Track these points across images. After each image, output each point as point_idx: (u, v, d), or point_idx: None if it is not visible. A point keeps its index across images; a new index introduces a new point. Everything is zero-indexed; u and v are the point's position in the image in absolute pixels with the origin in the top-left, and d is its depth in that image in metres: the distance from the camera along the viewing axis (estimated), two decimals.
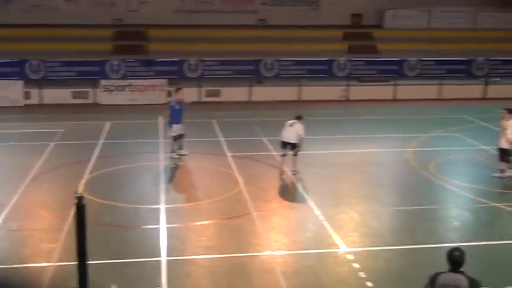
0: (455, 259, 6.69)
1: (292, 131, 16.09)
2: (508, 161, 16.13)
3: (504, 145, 16.04)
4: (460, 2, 32.67)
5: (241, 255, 11.30)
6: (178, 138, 17.82)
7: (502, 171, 16.15)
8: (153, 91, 27.09)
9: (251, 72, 28.33)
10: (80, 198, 8.62)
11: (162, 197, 14.47)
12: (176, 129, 17.67)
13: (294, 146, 16.09)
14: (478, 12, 33.15)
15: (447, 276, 6.75)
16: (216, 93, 27.87)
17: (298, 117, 16.45)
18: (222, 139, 20.10)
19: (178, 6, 31.50)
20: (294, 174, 16.26)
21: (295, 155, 16.24)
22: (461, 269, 6.76)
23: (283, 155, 16.30)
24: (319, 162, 17.81)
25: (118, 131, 21.33)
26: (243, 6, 32.01)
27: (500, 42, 31.44)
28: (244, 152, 18.50)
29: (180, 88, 18.57)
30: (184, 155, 17.99)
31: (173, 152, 17.83)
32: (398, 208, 14.14)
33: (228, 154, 18.21)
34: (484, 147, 19.26)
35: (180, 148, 18.01)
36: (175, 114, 17.64)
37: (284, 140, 16.18)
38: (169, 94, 24.71)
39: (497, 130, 21.49)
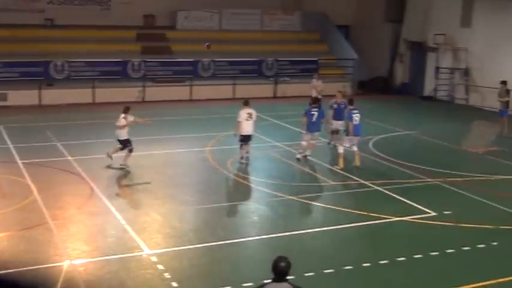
0: (281, 269, 6.67)
1: (252, 124, 17.34)
2: None
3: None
4: (248, 5, 33.95)
5: (39, 267, 10.61)
6: None
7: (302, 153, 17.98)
8: None
9: (40, 75, 26.93)
10: None
11: None
12: None
13: (251, 138, 17.55)
14: (265, 15, 34.70)
15: (272, 286, 6.69)
16: (2, 97, 26.06)
17: (247, 102, 17.63)
18: (11, 146, 18.81)
19: None
20: (245, 162, 17.57)
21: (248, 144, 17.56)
22: (286, 278, 6.76)
23: (243, 148, 17.50)
24: (117, 165, 17.40)
25: None
26: (28, 4, 30.28)
27: (287, 43, 33.25)
28: (36, 158, 17.49)
29: None
30: None
31: None
32: (199, 207, 14.26)
33: (19, 161, 17.10)
34: (277, 143, 20.21)
35: None
36: None
37: (246, 134, 17.33)
38: None
39: (286, 127, 22.78)
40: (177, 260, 11.29)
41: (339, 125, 19.22)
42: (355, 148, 17.55)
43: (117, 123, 16.76)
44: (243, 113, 17.39)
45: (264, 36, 33.82)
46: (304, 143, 18.19)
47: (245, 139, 17.51)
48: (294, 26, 35.25)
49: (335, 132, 19.44)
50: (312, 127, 17.95)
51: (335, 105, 19.45)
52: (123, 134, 16.82)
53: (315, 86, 24.96)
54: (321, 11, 35.05)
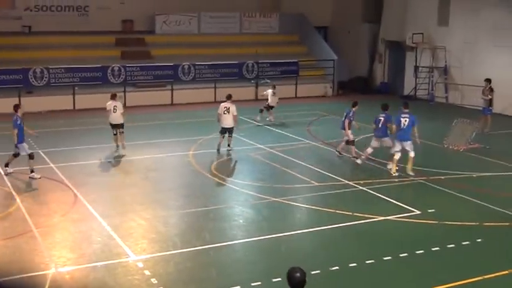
0: (296, 280, 6.43)
1: (229, 117, 18.93)
2: None
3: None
4: (227, 8, 33.95)
5: (24, 276, 10.50)
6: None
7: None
8: None
9: (19, 82, 26.69)
10: None
11: None
12: (25, 147, 16.49)
13: (231, 130, 19.11)
14: (244, 18, 34.70)
15: None
16: None
17: (228, 97, 19.38)
18: None
19: None
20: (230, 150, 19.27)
21: (230, 136, 19.24)
22: None
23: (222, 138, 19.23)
24: (100, 171, 17.35)
25: None
26: (4, 12, 29.99)
27: (266, 45, 33.27)
28: (18, 166, 17.27)
29: (20, 104, 17.62)
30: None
31: (32, 171, 16.31)
32: (184, 211, 14.22)
33: (0, 170, 16.91)
34: (260, 145, 20.24)
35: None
36: (22, 132, 16.54)
37: (224, 127, 19.01)
38: None
39: (269, 129, 22.81)
40: (164, 265, 11.25)
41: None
42: (411, 154, 16.87)
43: (120, 111, 19.16)
44: (222, 106, 19.24)
45: (243, 39, 33.82)
46: (370, 149, 17.78)
47: (223, 131, 19.20)
48: (273, 28, 35.30)
49: (351, 142, 18.73)
50: (403, 135, 16.83)
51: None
52: (122, 118, 19.11)
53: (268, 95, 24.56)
54: (299, 12, 35.14)
